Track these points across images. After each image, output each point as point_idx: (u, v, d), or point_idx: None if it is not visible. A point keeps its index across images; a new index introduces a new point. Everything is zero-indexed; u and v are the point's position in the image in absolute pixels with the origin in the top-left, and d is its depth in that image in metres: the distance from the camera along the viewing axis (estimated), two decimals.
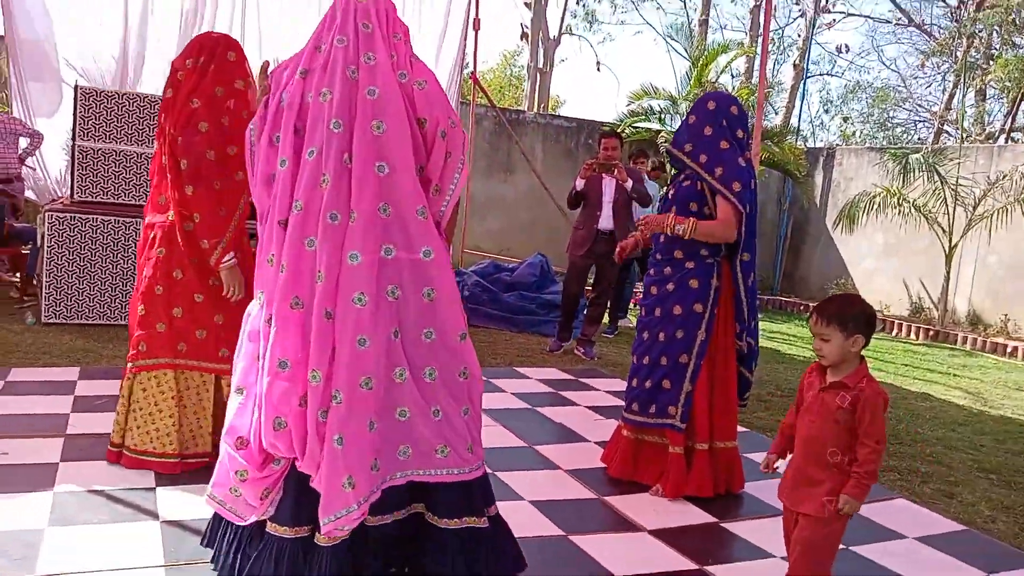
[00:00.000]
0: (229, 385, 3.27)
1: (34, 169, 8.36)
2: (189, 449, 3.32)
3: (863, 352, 2.42)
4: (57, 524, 2.80)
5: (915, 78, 22.42)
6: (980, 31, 17.22)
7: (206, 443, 3.35)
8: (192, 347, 3.29)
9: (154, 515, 2.93)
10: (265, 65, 2.68)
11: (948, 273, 10.22)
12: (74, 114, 6.01)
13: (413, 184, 2.26)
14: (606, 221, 6.44)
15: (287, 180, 2.28)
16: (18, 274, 7.23)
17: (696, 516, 3.41)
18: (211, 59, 3.25)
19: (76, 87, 6.13)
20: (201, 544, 2.58)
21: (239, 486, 2.32)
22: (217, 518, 2.49)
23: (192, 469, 3.29)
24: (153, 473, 3.25)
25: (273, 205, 2.32)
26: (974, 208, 10.00)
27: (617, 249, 4.04)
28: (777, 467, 2.59)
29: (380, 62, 2.26)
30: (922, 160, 10.54)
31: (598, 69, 23.13)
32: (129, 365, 3.29)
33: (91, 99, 6.03)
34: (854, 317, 2.37)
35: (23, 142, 7.92)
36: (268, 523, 2.31)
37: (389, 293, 2.25)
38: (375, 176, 2.21)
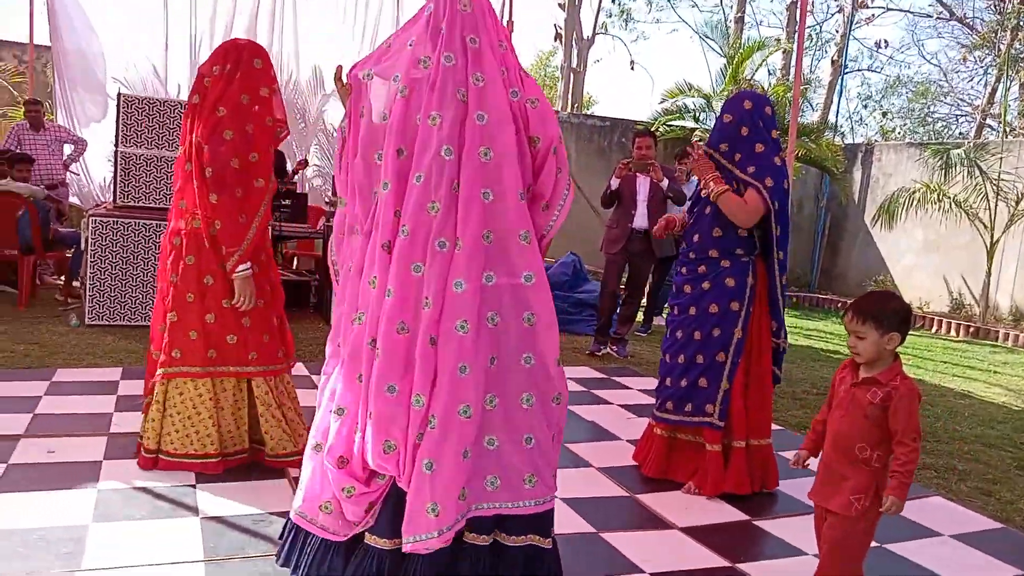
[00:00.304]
0: (259, 387, 3.38)
1: (78, 175, 8.58)
2: (228, 448, 3.38)
3: (898, 350, 2.41)
4: (101, 520, 2.89)
5: (956, 72, 22.02)
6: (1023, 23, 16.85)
7: (243, 441, 3.43)
8: (223, 353, 3.31)
9: (194, 511, 3.01)
10: (338, 70, 2.63)
11: (989, 269, 10.05)
12: (117, 121, 6.16)
13: (517, 209, 2.21)
14: (641, 220, 6.44)
15: (389, 202, 2.23)
16: (62, 277, 7.42)
17: (728, 513, 3.41)
18: (237, 66, 3.27)
19: (119, 95, 6.28)
20: (276, 562, 2.53)
21: (346, 502, 2.30)
22: (296, 535, 2.46)
23: (232, 467, 3.38)
24: (193, 472, 3.31)
25: (375, 228, 2.27)
26: (1016, 203, 9.82)
27: (661, 223, 3.95)
28: (808, 464, 2.59)
29: (489, 82, 2.18)
30: (963, 155, 10.37)
31: (632, 68, 23.04)
32: (161, 372, 3.31)
33: (133, 107, 6.17)
34: (890, 314, 2.36)
35: (67, 149, 8.14)
36: (367, 535, 2.30)
37: (489, 320, 2.23)
38: (480, 203, 2.17)
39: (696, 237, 3.64)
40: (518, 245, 2.22)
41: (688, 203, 4.00)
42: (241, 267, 3.24)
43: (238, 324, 3.33)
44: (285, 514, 3.01)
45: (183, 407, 3.30)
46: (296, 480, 3.31)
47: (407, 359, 2.19)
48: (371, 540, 2.28)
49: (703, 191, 3.60)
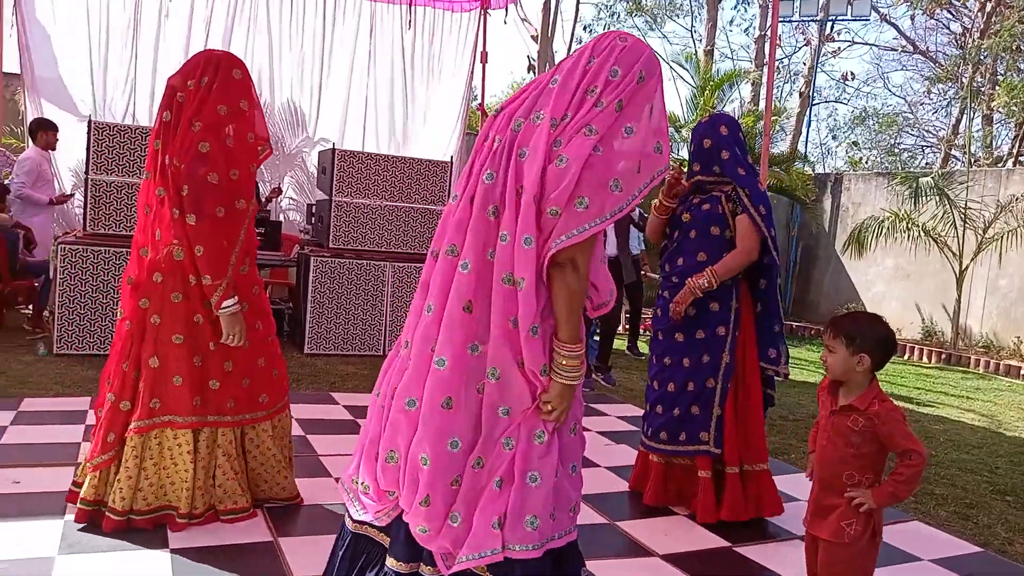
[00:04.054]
0: (224, 435, 3.07)
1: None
2: (197, 507, 3.04)
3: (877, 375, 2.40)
4: (67, 552, 2.80)
5: (921, 104, 22.52)
6: (985, 57, 17.29)
7: (209, 497, 3.09)
8: (206, 400, 3.02)
9: (164, 543, 2.92)
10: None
11: (959, 296, 10.19)
12: (88, 148, 6.09)
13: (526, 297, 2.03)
14: (610, 247, 6.45)
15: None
16: (30, 306, 7.29)
17: (709, 540, 3.37)
18: (214, 78, 2.96)
19: (89, 122, 6.21)
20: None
21: (363, 495, 2.17)
22: (336, 549, 2.29)
23: (205, 524, 3.05)
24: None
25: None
26: (984, 231, 9.99)
27: (675, 307, 3.62)
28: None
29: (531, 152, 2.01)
30: (931, 183, 10.55)
31: None
32: (136, 425, 2.95)
33: (104, 133, 6.11)
34: (864, 336, 2.35)
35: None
36: (388, 557, 2.12)
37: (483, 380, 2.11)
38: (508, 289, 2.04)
39: (680, 261, 3.61)
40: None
41: (668, 232, 3.90)
42: (227, 302, 2.94)
43: (220, 369, 3.04)
44: (258, 546, 2.96)
45: (160, 457, 3.00)
46: (270, 512, 3.25)
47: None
48: (391, 563, 2.10)
49: (701, 294, 3.51)
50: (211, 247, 2.91)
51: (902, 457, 2.28)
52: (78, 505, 3.02)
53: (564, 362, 2.01)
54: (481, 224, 2.00)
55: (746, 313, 3.58)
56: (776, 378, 3.70)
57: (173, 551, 2.86)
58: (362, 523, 2.17)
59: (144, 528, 2.99)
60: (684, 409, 3.56)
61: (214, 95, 2.94)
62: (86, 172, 6.11)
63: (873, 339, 2.35)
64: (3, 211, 6.92)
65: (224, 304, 2.94)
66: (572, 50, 21.73)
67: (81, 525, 2.98)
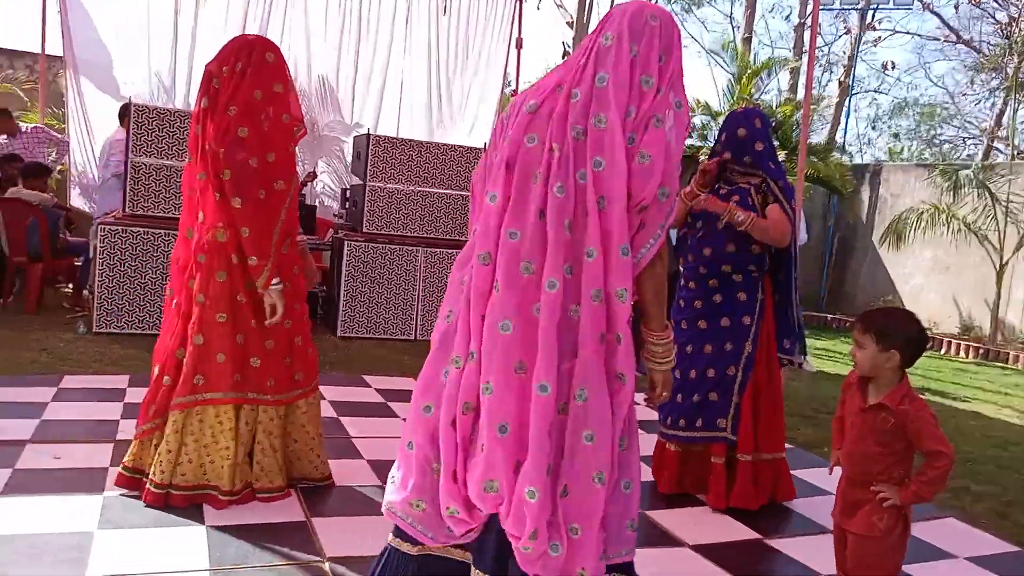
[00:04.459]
0: (264, 412, 3.13)
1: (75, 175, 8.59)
2: (237, 484, 3.10)
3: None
4: (106, 527, 2.86)
5: (963, 95, 22.07)
6: None
7: (247, 475, 3.16)
8: (246, 377, 3.08)
9: (200, 519, 2.97)
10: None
11: (999, 290, 10.01)
12: (127, 130, 6.17)
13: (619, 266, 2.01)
14: None
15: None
16: (71, 285, 7.42)
17: (740, 532, 3.36)
18: (248, 62, 3.02)
19: (130, 104, 6.30)
20: None
21: (448, 519, 2.07)
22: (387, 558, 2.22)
23: (242, 503, 3.10)
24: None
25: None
26: None
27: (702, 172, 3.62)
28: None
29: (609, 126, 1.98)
30: (972, 176, 10.36)
31: None
32: (180, 401, 3.03)
33: (143, 116, 6.18)
34: (894, 333, 2.32)
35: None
36: (472, 569, 2.09)
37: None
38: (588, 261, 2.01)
39: (708, 251, 3.60)
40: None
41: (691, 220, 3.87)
42: (275, 282, 3.02)
43: (261, 346, 3.11)
44: (291, 524, 3.00)
45: (201, 435, 3.06)
46: (303, 492, 3.30)
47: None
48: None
49: (727, 220, 3.50)
50: (256, 228, 2.98)
51: (928, 458, 2.26)
52: (119, 470, 3.18)
53: (660, 350, 2.06)
54: (561, 240, 1.95)
55: (770, 305, 3.61)
56: (797, 370, 3.74)
57: (209, 527, 2.91)
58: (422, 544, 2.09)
59: (182, 506, 3.04)
60: (703, 395, 3.57)
61: (248, 80, 3.00)
62: (126, 154, 6.20)
63: (905, 337, 2.32)
64: (44, 191, 7.04)
65: (273, 283, 3.02)
66: None
67: (120, 492, 3.09)
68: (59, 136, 8.29)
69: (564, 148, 1.98)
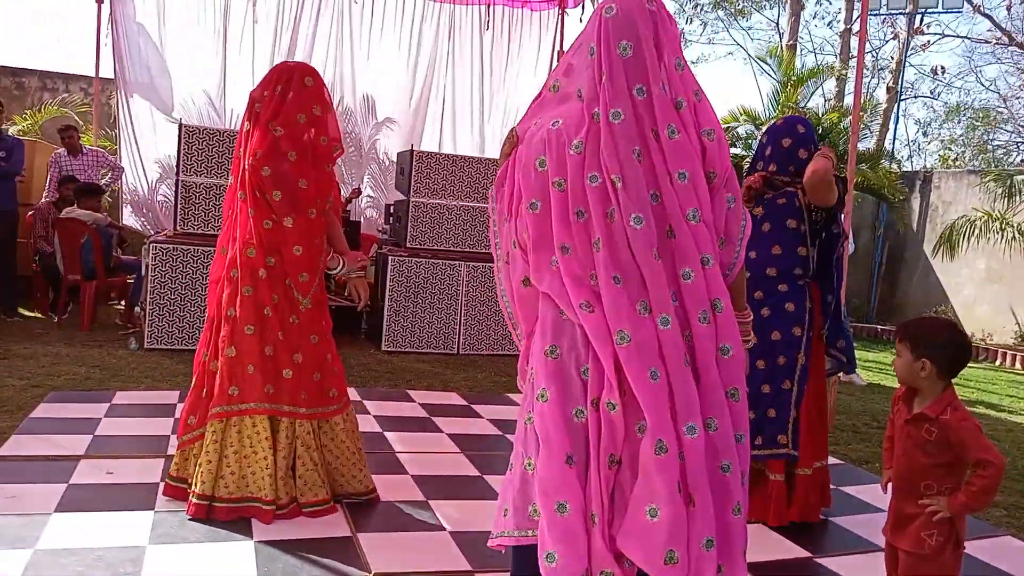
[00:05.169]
0: (302, 426, 3.18)
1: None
2: (281, 496, 3.15)
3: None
4: (158, 542, 2.91)
5: (1017, 98, 21.54)
6: None
7: (292, 490, 3.19)
8: (279, 389, 3.15)
9: (249, 534, 3.01)
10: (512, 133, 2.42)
11: None
12: (178, 151, 6.32)
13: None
14: None
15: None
16: (123, 302, 7.59)
17: (790, 550, 3.31)
18: (288, 86, 3.15)
19: (180, 125, 6.45)
20: None
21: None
22: None
23: (289, 518, 3.14)
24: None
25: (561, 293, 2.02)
26: None
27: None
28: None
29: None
30: None
31: None
32: (217, 410, 3.12)
33: (194, 136, 6.33)
34: (926, 340, 2.29)
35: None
36: None
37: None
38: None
39: (753, 254, 3.54)
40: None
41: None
42: (341, 267, 3.29)
43: (290, 360, 3.18)
44: (338, 540, 3.03)
45: (240, 446, 3.12)
46: (348, 507, 3.32)
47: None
48: None
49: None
50: (308, 246, 3.16)
51: (976, 467, 2.20)
52: (166, 480, 3.33)
53: (742, 329, 2.12)
54: (658, 271, 1.94)
55: (815, 315, 3.55)
56: (842, 374, 3.71)
57: (258, 542, 2.95)
58: None
59: (226, 519, 3.09)
60: (761, 412, 3.51)
61: (289, 103, 3.14)
62: (176, 174, 6.35)
63: (937, 344, 2.28)
64: (98, 211, 7.22)
65: (350, 269, 3.31)
66: None
67: (171, 508, 3.17)
68: (115, 160, 8.51)
69: (628, 175, 1.94)
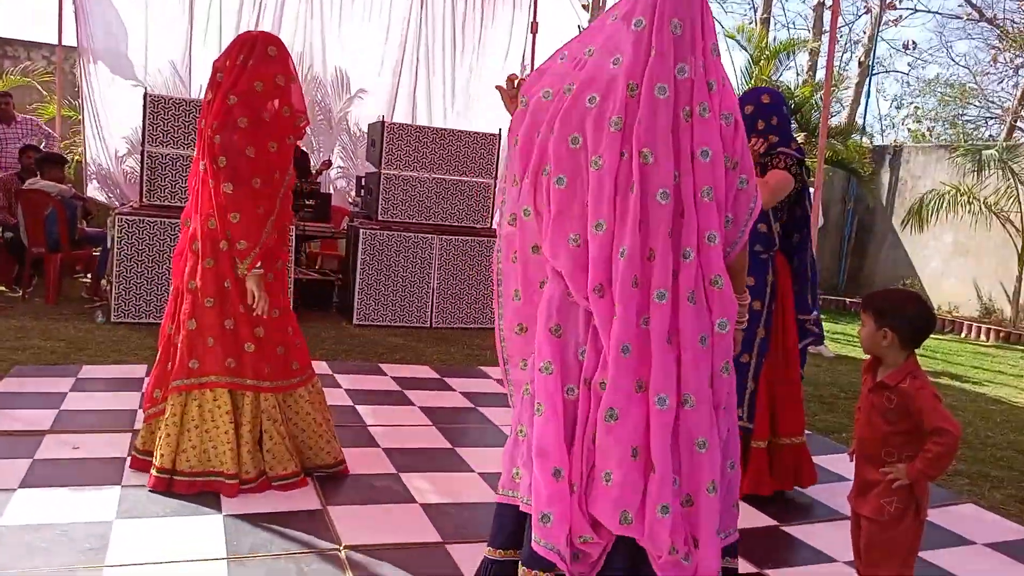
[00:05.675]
0: (266, 399, 3.18)
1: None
2: (247, 471, 3.14)
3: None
4: (124, 517, 2.89)
5: (986, 74, 21.74)
6: None
7: (260, 464, 3.18)
8: (241, 363, 3.13)
9: (217, 508, 3.00)
10: (512, 78, 2.47)
11: (1020, 273, 9.88)
12: (144, 121, 6.20)
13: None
14: None
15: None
16: (89, 275, 7.48)
17: (756, 518, 3.35)
18: (251, 55, 3.10)
19: (145, 95, 6.32)
20: None
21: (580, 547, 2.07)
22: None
23: (258, 491, 3.13)
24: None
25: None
26: None
27: None
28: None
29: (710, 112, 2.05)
30: (995, 155, 10.22)
31: None
32: (177, 383, 3.10)
33: (159, 106, 6.21)
34: (890, 311, 2.32)
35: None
36: None
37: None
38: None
39: None
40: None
41: None
42: (257, 267, 3.08)
43: (252, 333, 3.15)
44: (308, 513, 3.02)
45: (200, 420, 3.11)
46: (319, 480, 3.31)
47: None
48: None
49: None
50: (247, 214, 3.04)
51: (932, 435, 2.24)
52: (132, 452, 3.34)
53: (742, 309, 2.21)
54: (671, 251, 2.01)
55: (783, 286, 3.53)
56: (808, 341, 3.66)
57: (226, 516, 2.94)
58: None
59: (187, 492, 3.08)
60: None
61: (249, 71, 3.08)
62: (142, 145, 6.23)
63: (899, 315, 2.32)
64: (63, 182, 7.09)
65: (255, 267, 3.08)
66: None
67: (138, 482, 3.15)
68: (48, 129, 8.38)
69: (660, 151, 1.99)
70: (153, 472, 3.11)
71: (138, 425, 3.75)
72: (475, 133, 7.34)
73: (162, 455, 3.09)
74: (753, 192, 2.13)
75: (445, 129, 7.50)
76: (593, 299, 2.01)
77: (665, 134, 1.98)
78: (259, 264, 3.09)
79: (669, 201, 1.98)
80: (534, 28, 10.01)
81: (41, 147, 8.03)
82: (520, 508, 2.15)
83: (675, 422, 1.99)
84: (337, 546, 2.79)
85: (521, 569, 2.11)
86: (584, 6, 17.20)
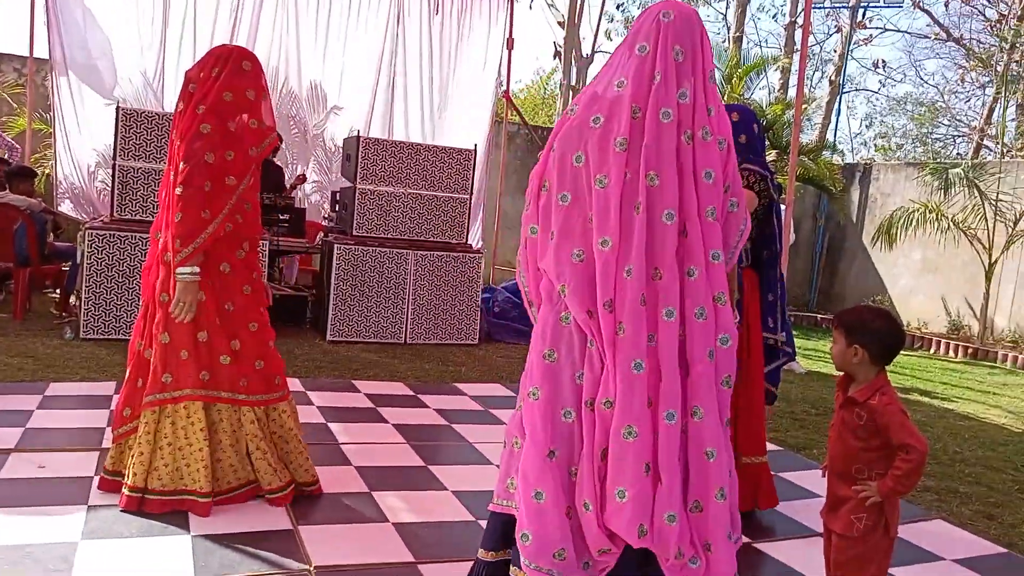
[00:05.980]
0: (246, 415, 3.16)
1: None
2: (224, 484, 3.13)
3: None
4: (90, 537, 2.84)
5: (954, 93, 22.13)
6: (1021, 44, 16.94)
7: (247, 473, 3.18)
8: (216, 375, 3.09)
9: (185, 528, 2.95)
10: None
11: (988, 290, 10.04)
12: (115, 134, 6.15)
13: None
14: None
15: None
16: (58, 290, 7.38)
17: None
18: (224, 67, 3.10)
19: (117, 108, 6.26)
20: None
21: (598, 558, 2.16)
22: None
23: (225, 504, 3.12)
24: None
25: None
26: (1015, 224, 9.83)
27: None
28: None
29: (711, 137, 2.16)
30: (962, 174, 10.39)
31: None
32: (150, 399, 3.05)
33: (132, 120, 6.16)
34: (861, 329, 2.35)
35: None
36: None
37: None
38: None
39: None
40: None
41: None
42: (185, 268, 2.97)
43: (227, 346, 3.12)
44: (278, 533, 2.99)
45: (174, 437, 3.05)
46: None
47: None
48: None
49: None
50: (189, 214, 2.96)
51: (900, 451, 2.26)
52: (102, 473, 3.25)
53: None
54: (672, 266, 2.09)
55: (750, 304, 3.53)
56: (782, 362, 3.65)
57: (195, 536, 2.89)
58: None
59: (159, 512, 3.03)
60: None
61: (220, 83, 3.07)
62: (113, 158, 6.17)
63: (869, 332, 2.35)
64: (32, 195, 7.01)
65: (181, 269, 2.97)
66: (599, 36, 21.57)
67: (105, 502, 3.09)
68: (11, 141, 8.30)
69: (666, 173, 2.07)
70: (125, 491, 3.06)
71: (107, 444, 3.70)
72: (451, 149, 7.35)
73: (135, 474, 3.04)
74: (743, 215, 2.23)
75: (421, 144, 7.50)
76: (603, 314, 2.08)
77: (670, 157, 2.07)
78: (193, 267, 2.99)
79: (674, 222, 2.07)
80: (510, 44, 10.07)
81: (5, 159, 7.95)
82: (515, 515, 2.23)
83: (684, 434, 2.10)
84: (307, 567, 2.76)
85: (512, 569, 2.20)
86: (560, 23, 17.31)
